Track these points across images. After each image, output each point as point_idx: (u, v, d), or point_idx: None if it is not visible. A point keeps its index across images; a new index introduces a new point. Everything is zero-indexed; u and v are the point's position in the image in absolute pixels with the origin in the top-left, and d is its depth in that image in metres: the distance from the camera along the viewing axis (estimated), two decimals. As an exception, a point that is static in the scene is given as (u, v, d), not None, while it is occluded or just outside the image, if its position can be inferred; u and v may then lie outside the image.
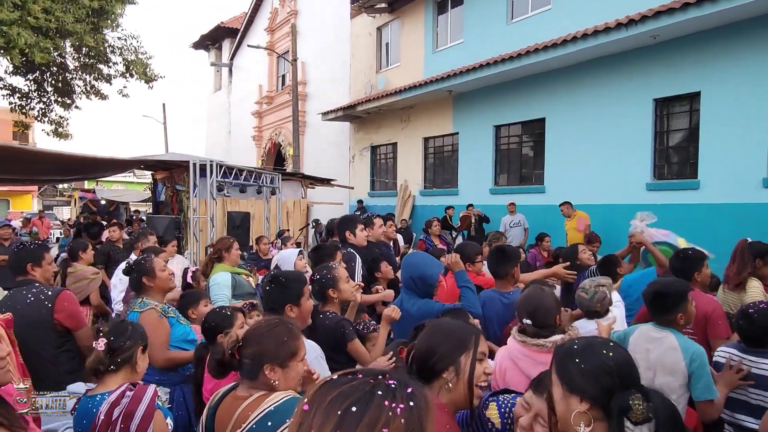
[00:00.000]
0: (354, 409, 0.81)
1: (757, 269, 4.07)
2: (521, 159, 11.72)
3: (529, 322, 2.44)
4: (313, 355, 2.56)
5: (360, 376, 0.89)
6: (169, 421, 2.07)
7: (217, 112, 26.67)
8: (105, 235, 8.62)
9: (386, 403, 0.82)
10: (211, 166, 8.80)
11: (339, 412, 0.81)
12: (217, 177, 8.81)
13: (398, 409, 0.82)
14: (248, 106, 22.99)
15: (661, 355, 2.64)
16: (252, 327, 1.99)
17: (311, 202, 15.16)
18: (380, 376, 0.88)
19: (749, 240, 4.27)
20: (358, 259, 4.61)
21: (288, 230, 9.71)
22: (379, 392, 0.84)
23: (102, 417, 1.88)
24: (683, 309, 2.70)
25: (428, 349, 1.68)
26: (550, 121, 10.63)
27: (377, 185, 16.12)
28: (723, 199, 7.97)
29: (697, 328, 3.18)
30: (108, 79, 13.26)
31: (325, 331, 3.01)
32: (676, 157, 8.92)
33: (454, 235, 11.47)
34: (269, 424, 1.66)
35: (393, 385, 0.86)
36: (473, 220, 11.06)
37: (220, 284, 4.57)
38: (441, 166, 13.87)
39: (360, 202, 15.36)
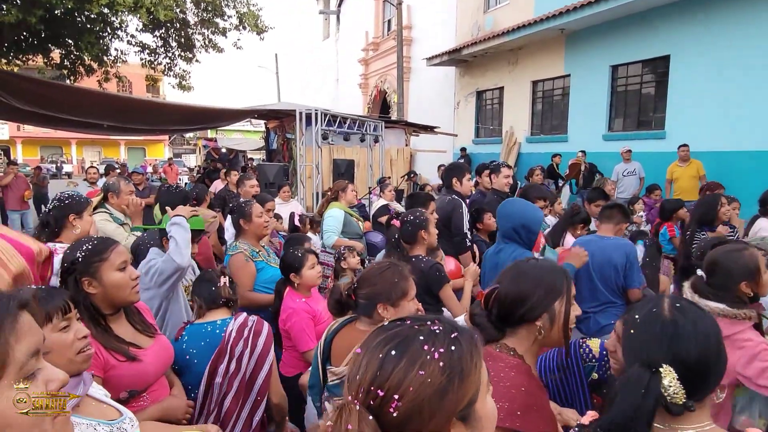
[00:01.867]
0: (393, 352, 0.86)
1: None
2: (640, 101, 10.79)
3: (701, 273, 2.17)
4: None
5: (409, 322, 0.93)
6: None
7: (326, 61, 27.16)
8: (216, 185, 9.35)
9: (425, 347, 0.86)
10: (317, 114, 9.07)
11: (380, 355, 0.87)
12: (322, 125, 9.08)
13: (436, 353, 0.85)
14: (355, 54, 23.15)
15: None
16: (366, 269, 2.16)
17: (414, 150, 15.21)
18: (428, 322, 0.92)
19: None
20: (465, 207, 4.60)
21: (389, 178, 9.87)
22: (421, 337, 0.88)
23: (234, 333, 2.22)
24: None
25: (517, 297, 1.55)
26: (676, 58, 9.61)
27: (482, 132, 15.73)
28: None
29: None
30: (223, 33, 13.97)
31: (419, 273, 3.05)
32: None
33: (560, 184, 11.00)
34: None
35: (437, 330, 0.90)
36: (583, 168, 10.49)
37: (334, 217, 5.02)
38: (550, 111, 13.19)
39: (463, 150, 15.12)
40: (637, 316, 1.25)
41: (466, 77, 15.96)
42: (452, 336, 0.89)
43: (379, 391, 0.83)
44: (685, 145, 8.59)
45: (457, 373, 0.85)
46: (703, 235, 4.46)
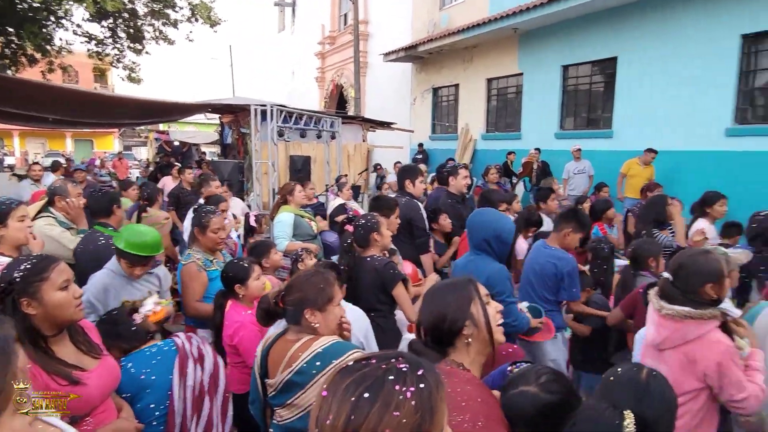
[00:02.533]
0: (366, 395, 0.85)
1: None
2: (590, 101, 11.14)
3: (668, 275, 2.30)
4: (364, 325, 2.70)
5: (374, 361, 0.93)
6: None
7: (281, 53, 26.77)
8: (166, 182, 9.13)
9: (397, 387, 0.86)
10: (272, 110, 8.94)
11: (353, 399, 0.86)
12: (277, 122, 8.96)
13: (408, 393, 0.86)
14: (311, 47, 22.90)
15: None
16: (292, 278, 2.23)
17: (372, 146, 15.21)
18: (392, 360, 0.92)
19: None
20: (422, 208, 4.65)
21: (346, 175, 9.86)
22: (390, 377, 0.88)
23: (185, 341, 2.36)
24: None
25: (437, 316, 1.65)
26: (622, 60, 9.96)
27: (438, 129, 15.88)
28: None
29: None
30: (175, 24, 13.60)
31: (374, 272, 3.15)
32: (762, 100, 8.20)
33: (514, 182, 11.25)
34: (317, 363, 1.89)
35: (404, 369, 0.90)
36: (535, 167, 10.75)
37: (283, 222, 4.97)
38: (504, 109, 13.44)
39: (420, 145, 15.24)
40: (619, 370, 1.57)
41: (422, 74, 16.06)
42: (419, 373, 0.90)
43: None
44: (654, 151, 8.83)
45: (428, 410, 0.87)
46: (655, 234, 4.66)
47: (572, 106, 11.46)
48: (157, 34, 13.59)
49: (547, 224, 5.26)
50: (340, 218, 6.09)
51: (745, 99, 8.29)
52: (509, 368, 1.75)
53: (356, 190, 9.58)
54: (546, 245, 3.52)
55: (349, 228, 3.42)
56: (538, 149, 10.93)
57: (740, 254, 3.49)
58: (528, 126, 12.32)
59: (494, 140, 13.42)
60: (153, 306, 2.55)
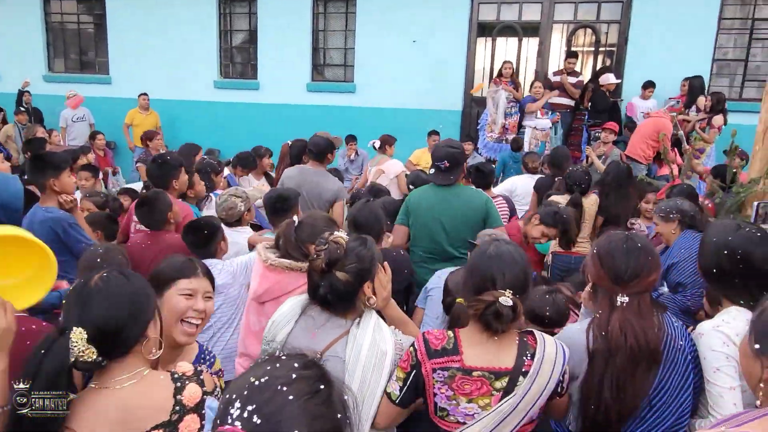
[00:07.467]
0: None
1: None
2: (80, 43, 10.30)
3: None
4: None
5: None
6: None
7: None
8: None
9: None
10: None
11: None
12: None
13: None
14: None
15: None
16: None
17: None
18: None
19: (289, 142, 5.12)
20: None
21: None
22: None
23: None
24: None
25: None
26: (112, 3, 9.58)
27: None
28: (278, 99, 9.08)
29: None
30: None
31: None
32: (239, 57, 9.52)
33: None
34: None
35: None
36: (30, 114, 9.16)
37: None
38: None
39: None
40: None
41: None
42: None
43: None
44: (145, 94, 8.85)
45: None
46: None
47: (61, 45, 10.34)
48: None
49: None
50: None
51: (226, 56, 9.43)
52: None
53: None
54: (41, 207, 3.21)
55: None
56: (28, 92, 9.21)
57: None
58: (5, 64, 10.38)
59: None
60: None
